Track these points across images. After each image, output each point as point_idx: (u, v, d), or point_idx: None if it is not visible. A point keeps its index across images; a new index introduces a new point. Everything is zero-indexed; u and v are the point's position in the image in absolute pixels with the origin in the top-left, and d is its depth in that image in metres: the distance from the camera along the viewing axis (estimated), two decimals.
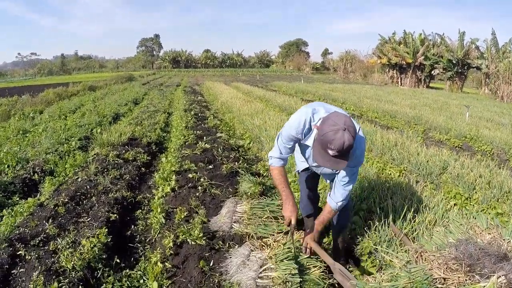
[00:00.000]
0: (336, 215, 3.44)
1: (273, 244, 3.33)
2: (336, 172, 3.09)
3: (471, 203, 5.02)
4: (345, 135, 2.47)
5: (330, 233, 4.25)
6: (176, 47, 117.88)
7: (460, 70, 35.48)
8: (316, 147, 2.68)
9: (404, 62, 40.66)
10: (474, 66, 33.98)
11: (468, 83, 42.29)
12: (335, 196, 3.15)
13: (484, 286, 2.08)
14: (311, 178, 3.79)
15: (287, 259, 3.06)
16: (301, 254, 3.33)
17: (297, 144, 3.26)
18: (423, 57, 38.45)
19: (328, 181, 3.53)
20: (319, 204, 4.19)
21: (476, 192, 5.24)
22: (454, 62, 35.10)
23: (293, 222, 3.22)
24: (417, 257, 2.68)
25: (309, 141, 3.01)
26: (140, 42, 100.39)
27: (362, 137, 2.92)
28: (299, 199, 4.04)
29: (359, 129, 2.91)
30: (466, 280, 2.25)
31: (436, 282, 2.32)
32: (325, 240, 4.21)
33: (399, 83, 42.26)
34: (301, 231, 3.87)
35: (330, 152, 2.55)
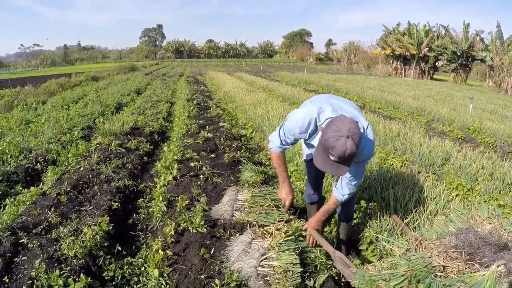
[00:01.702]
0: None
1: (275, 232, 3.34)
2: None
3: (473, 195, 5.01)
4: (348, 143, 2.39)
5: (331, 223, 4.27)
6: (179, 37, 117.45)
7: (464, 62, 35.28)
8: (318, 150, 2.62)
9: (408, 53, 40.44)
10: (478, 58, 33.74)
11: (472, 75, 42.09)
12: (342, 189, 3.11)
13: (484, 275, 2.08)
14: (317, 168, 3.78)
15: (289, 249, 3.07)
16: (302, 241, 3.34)
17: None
18: (427, 48, 38.24)
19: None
20: (323, 194, 4.20)
21: (478, 183, 5.24)
22: (458, 54, 34.91)
23: (287, 204, 3.32)
24: (416, 245, 2.68)
25: (315, 141, 2.96)
26: (143, 33, 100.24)
27: (370, 137, 2.84)
28: (304, 186, 4.04)
29: (367, 126, 2.84)
30: (465, 268, 2.25)
31: (436, 270, 2.32)
32: (326, 229, 4.22)
33: (403, 74, 42.08)
34: (302, 220, 3.88)
35: (331, 157, 2.48)
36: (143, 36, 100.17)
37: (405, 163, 6.32)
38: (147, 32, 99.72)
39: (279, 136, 3.18)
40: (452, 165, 5.88)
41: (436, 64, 39.00)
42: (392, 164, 6.18)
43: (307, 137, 2.99)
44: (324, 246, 3.20)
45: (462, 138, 9.23)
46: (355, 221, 4.08)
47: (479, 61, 35.01)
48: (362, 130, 2.72)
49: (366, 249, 3.71)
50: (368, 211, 4.15)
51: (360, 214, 4.19)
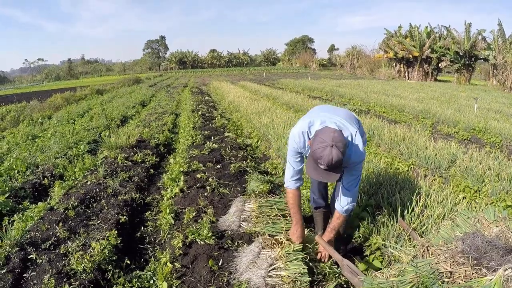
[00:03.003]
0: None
1: (284, 242, 3.34)
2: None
3: (480, 196, 4.98)
4: (333, 151, 2.60)
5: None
6: (182, 48, 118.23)
7: (467, 62, 35.17)
8: (309, 162, 2.82)
9: (410, 56, 40.36)
10: (481, 57, 33.66)
11: (476, 74, 41.92)
12: (341, 201, 3.22)
13: (491, 280, 2.07)
14: None
15: (297, 259, 3.07)
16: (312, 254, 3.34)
17: None
18: (430, 50, 38.13)
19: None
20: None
21: (485, 184, 5.21)
22: (461, 54, 34.82)
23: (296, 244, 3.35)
24: (423, 251, 2.68)
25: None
26: (146, 44, 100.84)
27: (357, 143, 2.98)
28: (310, 191, 4.06)
29: (356, 132, 2.99)
30: (472, 273, 2.25)
31: (443, 276, 2.32)
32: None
33: (406, 77, 41.98)
34: (311, 229, 3.89)
35: (321, 166, 2.68)
36: (146, 48, 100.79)
37: (412, 167, 6.30)
38: (150, 43, 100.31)
39: (290, 164, 3.31)
40: (459, 167, 5.86)
41: (439, 65, 38.89)
42: (399, 168, 6.17)
43: (304, 151, 3.14)
44: (331, 254, 3.21)
45: (468, 139, 9.18)
46: (362, 229, 4.08)
47: (482, 60, 34.91)
48: (350, 137, 2.96)
49: (374, 255, 3.69)
50: (375, 217, 4.13)
51: (368, 219, 4.18)
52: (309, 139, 3.01)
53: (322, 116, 3.08)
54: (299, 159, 3.26)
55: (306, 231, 3.65)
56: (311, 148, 2.77)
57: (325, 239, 3.37)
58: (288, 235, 3.43)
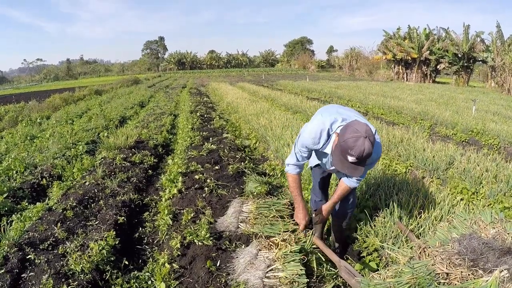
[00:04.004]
0: (338, 202, 3.56)
1: (280, 244, 3.35)
2: None
3: (477, 198, 5.00)
4: (366, 143, 2.57)
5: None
6: (181, 49, 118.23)
7: (466, 64, 35.20)
8: (336, 153, 2.78)
9: (409, 58, 40.38)
10: (480, 59, 33.66)
11: (474, 76, 41.97)
12: (350, 181, 3.29)
13: (487, 281, 2.09)
14: (323, 174, 3.83)
15: (294, 260, 3.08)
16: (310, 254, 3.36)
17: None
18: (428, 51, 38.17)
19: (339, 178, 3.58)
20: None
21: (482, 186, 5.23)
22: (459, 56, 34.85)
23: (301, 227, 3.46)
24: (420, 252, 2.69)
25: (327, 149, 3.09)
26: (145, 45, 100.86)
27: (379, 142, 3.00)
28: (311, 193, 4.09)
29: (375, 132, 2.95)
30: (469, 274, 2.26)
31: (439, 277, 2.33)
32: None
33: (405, 78, 42.02)
34: (309, 230, 3.90)
35: (350, 158, 2.64)
36: (145, 49, 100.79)
37: (409, 169, 6.32)
38: (149, 44, 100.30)
39: (295, 154, 3.32)
40: (456, 169, 5.88)
41: (438, 67, 38.95)
42: (396, 170, 6.19)
43: (320, 147, 3.10)
44: (328, 255, 3.22)
45: (466, 141, 9.21)
46: (360, 230, 4.09)
47: (480, 62, 34.93)
48: (374, 133, 2.89)
49: (371, 257, 3.71)
50: (372, 219, 4.15)
51: (366, 220, 4.20)
52: (328, 135, 3.01)
53: (342, 113, 3.08)
54: (306, 154, 3.26)
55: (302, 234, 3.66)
56: (340, 138, 2.70)
57: (324, 207, 3.47)
58: (285, 237, 3.44)
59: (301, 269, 2.96)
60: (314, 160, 3.65)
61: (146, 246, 4.21)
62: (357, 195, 4.77)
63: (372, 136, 2.64)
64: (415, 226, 3.87)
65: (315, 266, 3.25)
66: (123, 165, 6.58)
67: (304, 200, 3.50)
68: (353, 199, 3.73)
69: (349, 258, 3.81)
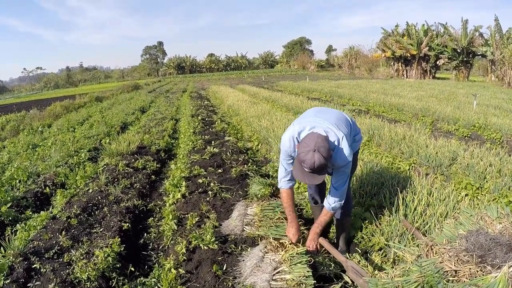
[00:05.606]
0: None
1: (288, 246, 3.35)
2: (330, 172, 3.32)
3: (482, 193, 4.99)
4: (315, 156, 2.76)
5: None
6: (180, 53, 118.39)
7: (465, 59, 35.12)
8: (295, 165, 3.02)
9: (408, 54, 40.34)
10: (479, 53, 33.61)
11: (474, 71, 41.92)
12: (329, 199, 3.33)
13: (496, 277, 2.07)
14: None
15: (301, 262, 3.07)
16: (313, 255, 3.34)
17: None
18: (427, 47, 38.11)
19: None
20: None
21: (487, 181, 5.21)
22: (458, 51, 34.80)
23: (293, 242, 3.45)
24: (427, 250, 2.67)
25: None
26: (144, 50, 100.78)
27: (343, 146, 3.07)
28: (307, 187, 4.13)
29: (342, 137, 3.07)
30: (477, 271, 2.24)
31: (448, 274, 2.31)
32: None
33: (405, 75, 41.97)
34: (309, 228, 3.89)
35: (306, 169, 2.86)
36: (145, 54, 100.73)
37: (413, 166, 6.30)
38: (148, 49, 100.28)
39: (282, 165, 3.44)
40: (460, 164, 5.86)
41: (437, 62, 38.84)
42: (400, 167, 6.17)
43: (295, 154, 3.21)
44: (335, 256, 3.21)
45: (468, 136, 9.19)
46: (365, 229, 4.08)
47: (480, 56, 34.89)
48: (336, 142, 3.07)
49: (378, 255, 3.69)
50: (378, 217, 4.13)
51: (371, 220, 4.18)
52: (298, 143, 3.10)
53: (312, 121, 3.19)
54: (291, 161, 3.36)
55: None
56: (297, 152, 2.97)
57: (311, 233, 3.43)
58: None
59: (308, 271, 2.95)
60: None
61: (152, 252, 4.20)
62: (362, 194, 4.77)
63: (323, 147, 2.80)
64: (420, 224, 3.85)
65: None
66: (126, 171, 6.58)
67: (297, 217, 3.56)
68: (350, 205, 3.80)
69: (355, 257, 3.79)
